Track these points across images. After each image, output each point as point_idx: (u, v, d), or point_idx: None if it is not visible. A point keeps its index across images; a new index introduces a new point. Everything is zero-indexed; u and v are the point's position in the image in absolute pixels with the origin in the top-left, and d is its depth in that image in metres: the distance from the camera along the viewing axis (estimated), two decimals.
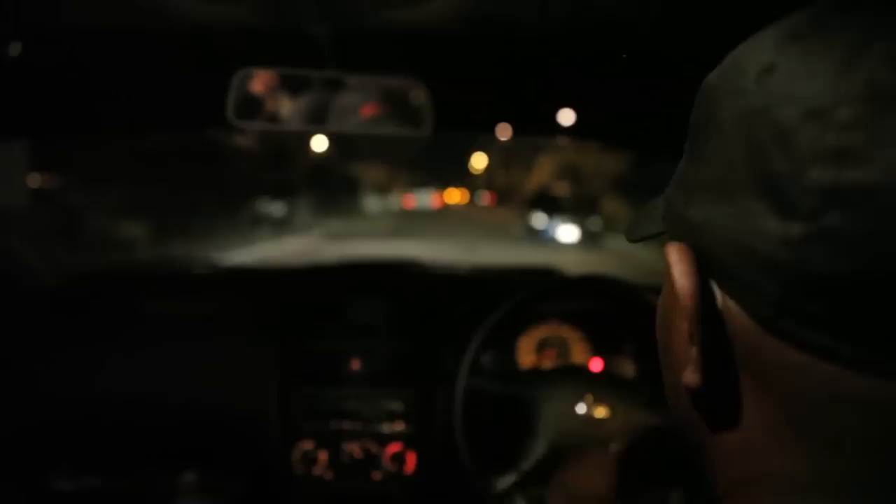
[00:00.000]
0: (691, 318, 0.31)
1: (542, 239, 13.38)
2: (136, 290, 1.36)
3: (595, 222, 13.56)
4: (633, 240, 0.43)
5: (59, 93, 1.03)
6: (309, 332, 1.23)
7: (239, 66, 0.87)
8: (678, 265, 0.32)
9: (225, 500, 1.31)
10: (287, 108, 0.92)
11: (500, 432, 1.01)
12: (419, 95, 0.98)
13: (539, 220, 14.31)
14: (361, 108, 0.95)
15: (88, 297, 1.36)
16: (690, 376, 0.32)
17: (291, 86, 0.94)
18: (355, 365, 1.21)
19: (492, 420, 1.02)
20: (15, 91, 1.05)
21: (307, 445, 1.18)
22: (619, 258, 9.37)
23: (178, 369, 1.24)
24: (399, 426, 1.19)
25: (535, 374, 1.15)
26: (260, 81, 0.89)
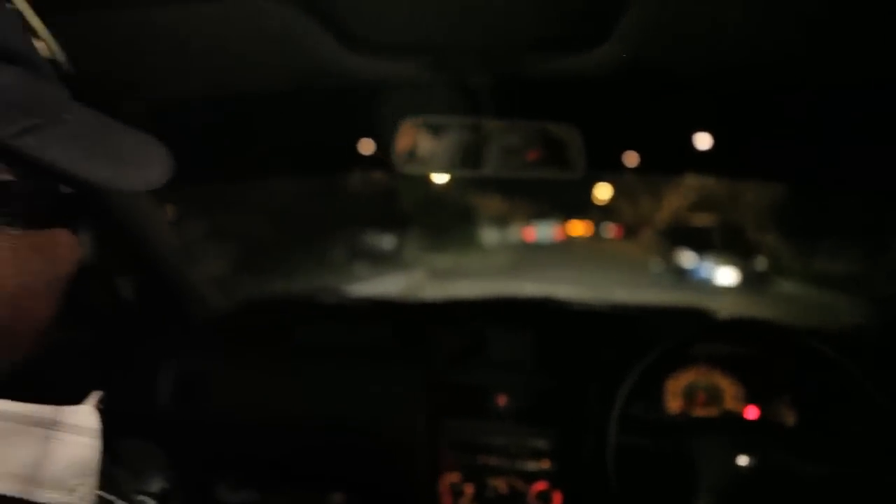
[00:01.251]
0: None
1: (692, 279, 11.57)
2: (292, 319, 1.47)
3: (761, 261, 11.26)
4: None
5: (245, 143, 1.16)
6: (454, 365, 1.28)
7: (404, 116, 0.94)
8: None
9: None
10: (447, 153, 0.99)
11: (655, 483, 1.00)
12: (572, 139, 1.02)
13: (686, 257, 12.40)
14: (524, 152, 1.00)
15: (250, 324, 1.49)
16: None
17: (451, 133, 1.00)
18: (501, 401, 1.24)
19: (645, 470, 1.01)
20: (205, 143, 1.20)
21: (453, 478, 1.22)
22: (788, 301, 8.49)
23: (331, 396, 1.33)
24: (545, 464, 1.20)
25: (687, 421, 1.13)
26: (423, 129, 0.96)
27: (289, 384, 1.36)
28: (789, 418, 1.17)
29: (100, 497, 0.45)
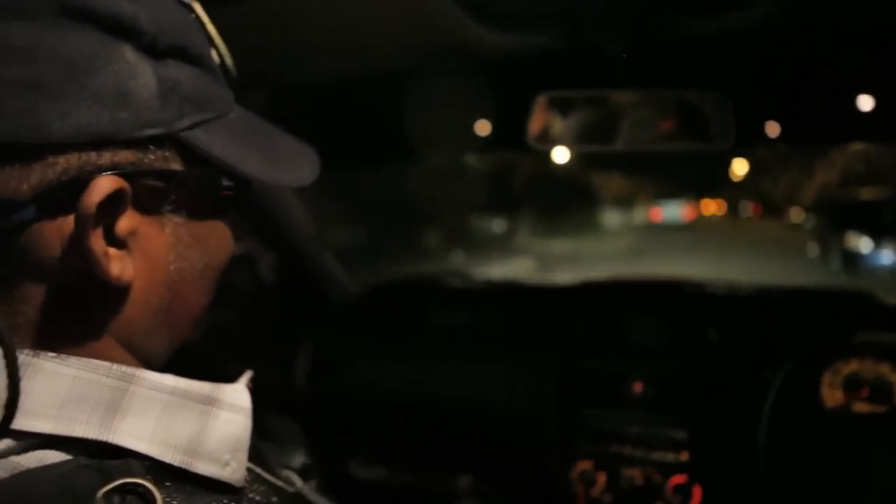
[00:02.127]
0: None
1: (853, 261, 9.52)
2: (423, 302, 1.50)
3: None
4: None
5: (369, 128, 1.18)
6: (587, 351, 1.25)
7: (538, 91, 0.91)
8: None
9: None
10: (580, 128, 0.95)
11: (809, 482, 0.92)
12: (715, 108, 0.94)
13: (862, 242, 9.74)
14: (658, 124, 0.94)
15: (382, 307, 1.53)
16: None
17: (585, 107, 0.96)
18: (637, 388, 1.19)
19: (798, 467, 0.93)
20: (330, 128, 1.23)
21: (585, 465, 1.19)
22: None
23: (461, 379, 1.34)
24: (684, 456, 1.14)
25: (849, 416, 1.03)
26: (556, 104, 0.92)
27: (419, 367, 1.38)
28: None
29: (249, 470, 0.48)
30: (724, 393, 1.14)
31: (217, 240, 0.48)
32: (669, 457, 1.15)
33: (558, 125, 0.96)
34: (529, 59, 0.92)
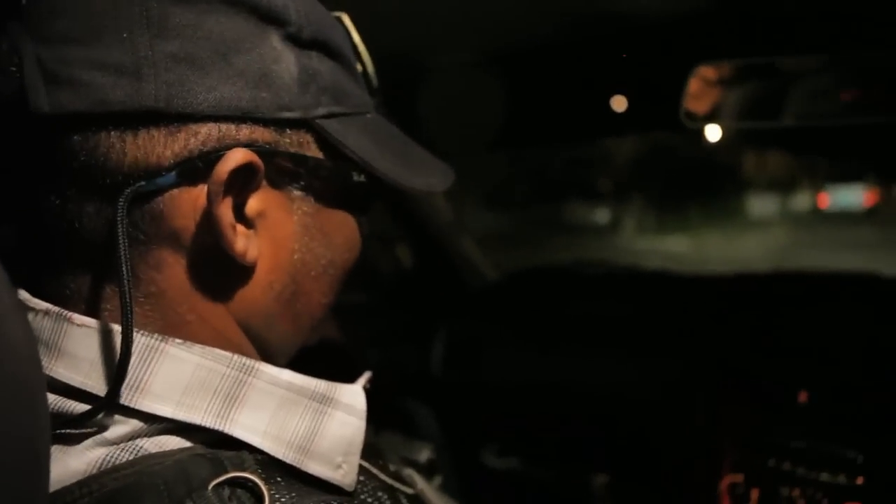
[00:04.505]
0: None
1: None
2: (563, 290, 1.44)
3: None
4: None
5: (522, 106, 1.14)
6: (745, 350, 1.13)
7: (694, 62, 0.82)
8: None
9: None
10: (744, 102, 0.85)
11: None
12: None
13: None
14: (839, 93, 0.82)
15: (521, 294, 1.50)
16: None
17: (747, 77, 0.86)
18: (803, 397, 1.06)
19: None
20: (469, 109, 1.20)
21: (736, 478, 1.08)
22: None
23: (602, 372, 1.28)
24: (859, 481, 1.00)
25: None
26: (716, 76, 0.83)
27: (557, 356, 1.34)
28: None
29: (363, 469, 0.47)
30: None
31: (343, 238, 0.48)
32: (840, 479, 1.01)
33: (718, 99, 0.87)
34: (686, 26, 0.83)
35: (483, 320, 1.47)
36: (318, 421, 0.43)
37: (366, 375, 0.49)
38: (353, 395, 0.45)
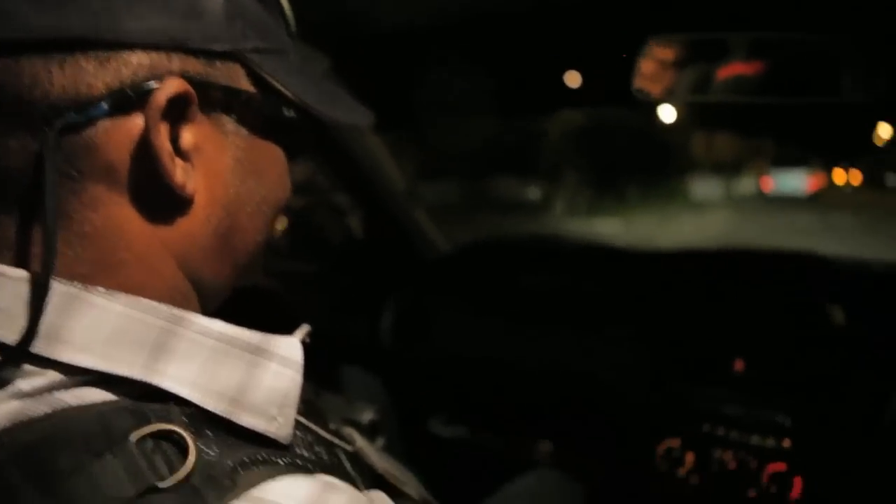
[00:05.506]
0: None
1: None
2: (514, 263, 1.47)
3: None
4: None
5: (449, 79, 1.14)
6: (686, 323, 1.18)
7: (647, 35, 0.84)
8: None
9: (579, 478, 1.36)
10: (692, 78, 0.88)
11: None
12: (854, 54, 0.84)
13: None
14: (774, 73, 0.85)
15: (473, 266, 1.52)
16: None
17: (697, 53, 0.89)
18: (738, 366, 1.12)
19: None
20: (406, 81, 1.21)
21: (673, 443, 1.14)
22: None
23: (549, 342, 1.32)
24: (785, 443, 1.06)
25: None
26: (668, 50, 0.85)
27: (507, 328, 1.37)
28: None
29: (301, 426, 0.46)
30: (842, 380, 1.05)
31: (276, 175, 0.48)
32: (769, 442, 1.08)
33: (669, 74, 0.89)
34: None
35: (434, 291, 1.48)
36: (251, 372, 0.41)
37: (304, 328, 0.47)
38: (289, 347, 0.43)
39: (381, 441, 0.87)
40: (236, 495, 0.36)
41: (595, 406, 1.26)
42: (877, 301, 1.14)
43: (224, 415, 0.40)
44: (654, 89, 0.86)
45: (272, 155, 0.48)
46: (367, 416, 0.84)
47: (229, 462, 0.37)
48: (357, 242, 1.65)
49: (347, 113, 0.51)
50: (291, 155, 0.50)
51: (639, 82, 0.85)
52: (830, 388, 1.06)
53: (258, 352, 0.42)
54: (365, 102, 0.54)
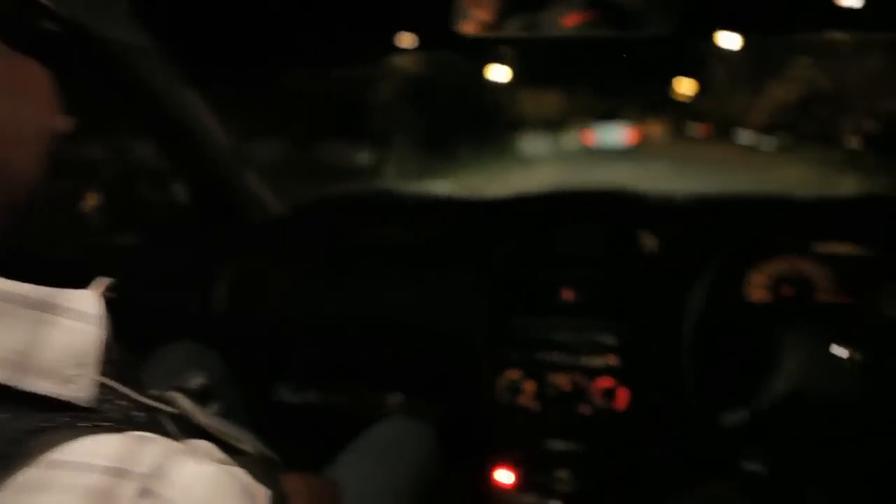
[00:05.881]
0: None
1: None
2: (349, 221, 1.45)
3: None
4: None
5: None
6: (519, 260, 1.24)
7: None
8: None
9: (430, 422, 1.39)
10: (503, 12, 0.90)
11: (731, 377, 0.95)
12: None
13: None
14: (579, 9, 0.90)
15: (308, 225, 1.48)
16: None
17: None
18: (567, 295, 1.19)
19: (721, 364, 0.96)
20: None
21: (514, 375, 1.20)
22: None
23: (390, 296, 1.32)
24: (611, 360, 1.16)
25: (771, 311, 1.05)
26: None
27: (348, 285, 1.35)
28: (891, 311, 1.08)
29: (107, 388, 0.42)
30: (654, 297, 1.15)
31: (40, 98, 0.44)
32: (596, 361, 1.16)
33: (489, 11, 0.91)
34: None
35: (269, 254, 1.43)
36: (36, 331, 0.37)
37: (101, 281, 0.43)
38: (83, 300, 0.39)
39: (215, 407, 0.83)
40: (28, 462, 0.32)
41: (439, 351, 1.29)
42: (680, 227, 1.26)
43: (6, 382, 0.35)
44: (479, 18, 0.87)
45: (34, 74, 0.43)
46: (195, 382, 0.79)
47: (13, 431, 0.33)
48: (182, 209, 1.55)
49: (117, 28, 0.48)
50: (59, 75, 0.45)
51: (463, 23, 0.86)
52: (644, 306, 1.16)
53: (44, 307, 0.37)
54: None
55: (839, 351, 0.87)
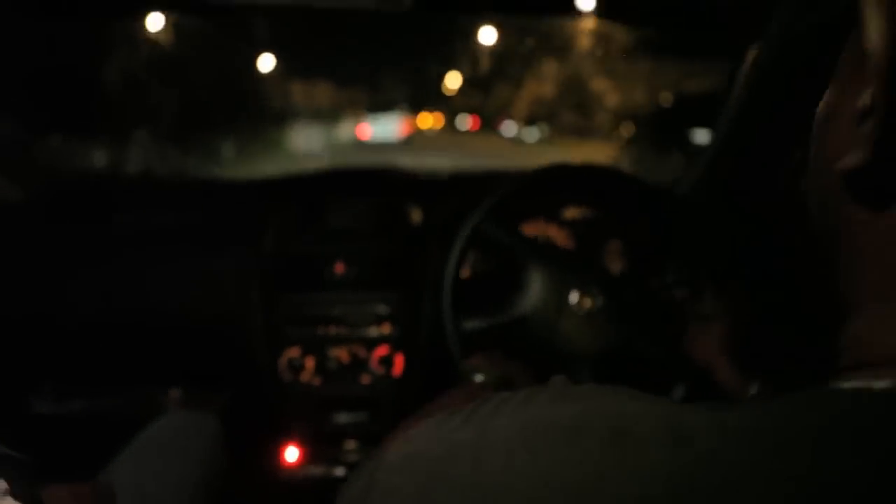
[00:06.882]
0: (879, 80, 0.29)
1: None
2: (110, 204, 1.36)
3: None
4: None
5: None
6: (290, 238, 1.26)
7: None
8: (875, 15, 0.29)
9: (213, 412, 1.36)
10: None
11: (489, 334, 1.06)
12: None
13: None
14: None
15: (62, 210, 1.36)
16: (854, 157, 0.31)
17: None
18: (339, 269, 1.24)
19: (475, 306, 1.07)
20: None
21: (293, 353, 1.22)
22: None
23: (157, 285, 1.26)
24: (386, 329, 1.23)
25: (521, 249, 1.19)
26: None
27: (105, 277, 1.26)
28: (616, 267, 1.28)
29: None
30: (423, 267, 1.24)
31: None
32: (373, 331, 1.23)
33: None
34: None
35: (10, 249, 1.29)
36: None
37: None
38: None
39: None
40: None
41: (215, 337, 1.27)
42: (444, 199, 1.37)
43: None
44: None
45: None
46: None
47: None
48: None
49: None
50: None
51: None
52: (414, 276, 1.25)
53: None
54: None
55: (573, 296, 1.04)
